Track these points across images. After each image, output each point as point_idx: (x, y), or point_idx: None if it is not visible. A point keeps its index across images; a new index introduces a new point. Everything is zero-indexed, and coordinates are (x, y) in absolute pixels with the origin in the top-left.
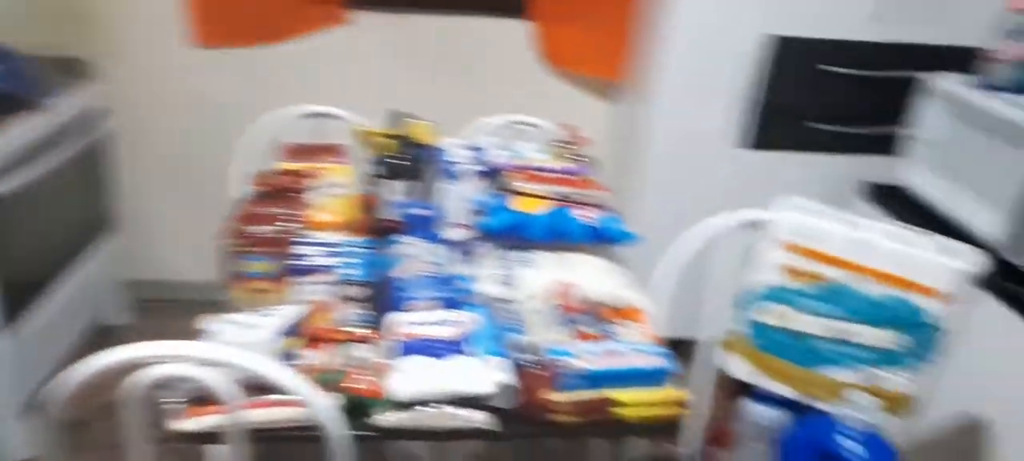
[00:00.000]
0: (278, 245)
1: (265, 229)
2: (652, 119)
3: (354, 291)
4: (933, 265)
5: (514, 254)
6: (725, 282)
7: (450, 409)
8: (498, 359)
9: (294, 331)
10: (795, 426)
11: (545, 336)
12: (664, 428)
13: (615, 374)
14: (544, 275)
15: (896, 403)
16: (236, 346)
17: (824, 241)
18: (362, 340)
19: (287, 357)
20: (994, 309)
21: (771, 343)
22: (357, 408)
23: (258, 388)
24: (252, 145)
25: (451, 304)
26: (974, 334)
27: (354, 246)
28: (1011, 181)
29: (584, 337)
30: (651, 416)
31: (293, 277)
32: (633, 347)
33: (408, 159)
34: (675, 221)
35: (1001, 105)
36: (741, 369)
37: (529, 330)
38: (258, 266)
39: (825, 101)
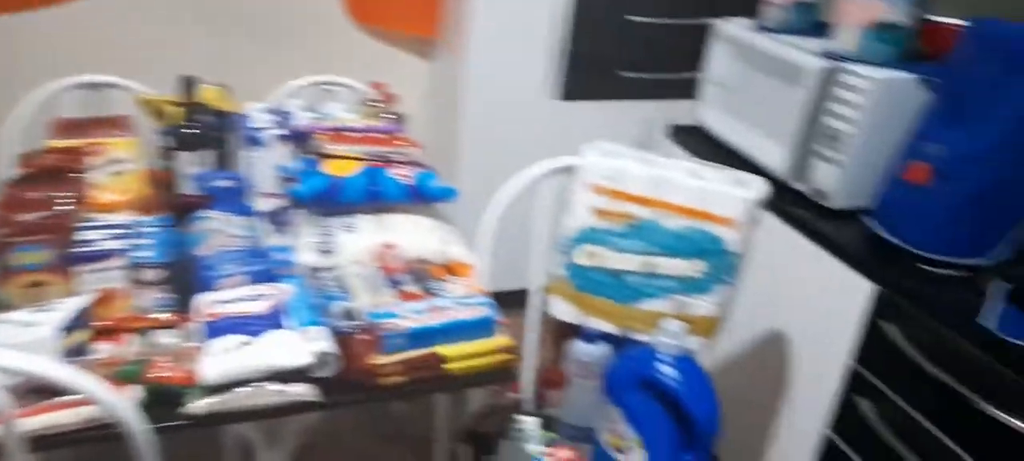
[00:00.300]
0: (56, 232)
1: (37, 215)
2: (466, 74)
3: (150, 274)
4: (726, 196)
5: (333, 220)
6: (548, 230)
7: (269, 385)
8: (317, 329)
9: (80, 324)
10: (617, 359)
11: (367, 300)
12: (496, 376)
13: (440, 329)
14: (364, 238)
15: (703, 326)
16: (10, 348)
17: (627, 181)
18: (166, 325)
19: (75, 353)
20: (778, 228)
21: (588, 283)
22: (166, 398)
23: (44, 391)
24: (19, 123)
25: (265, 278)
26: (763, 252)
27: (147, 226)
28: (788, 115)
29: (407, 297)
30: (481, 366)
31: (77, 266)
32: (457, 301)
33: (202, 127)
34: (496, 174)
35: (775, 45)
36: (564, 311)
37: (351, 296)
38: (32, 257)
39: (633, 49)
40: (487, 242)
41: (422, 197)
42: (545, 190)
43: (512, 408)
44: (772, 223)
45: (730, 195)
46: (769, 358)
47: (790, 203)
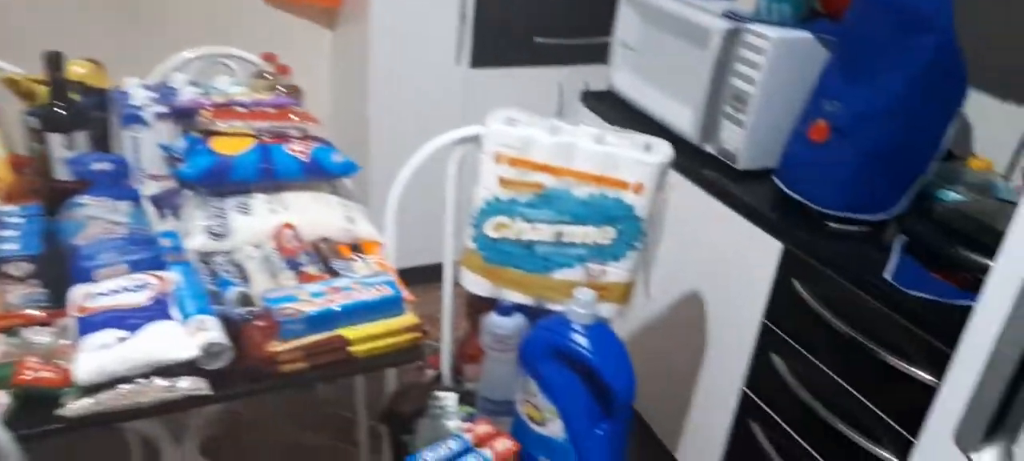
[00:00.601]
0: None
1: None
2: (370, 42)
3: (18, 268)
4: (632, 162)
5: (227, 200)
6: (458, 202)
7: (157, 381)
8: (207, 318)
9: None
10: (532, 330)
11: (265, 284)
12: (404, 357)
13: (342, 312)
14: (260, 220)
15: (616, 292)
16: None
17: (533, 150)
18: (38, 323)
19: None
20: (691, 191)
21: (499, 255)
22: (40, 401)
23: None
24: None
25: (150, 266)
26: (678, 215)
27: (14, 216)
28: (695, 78)
29: (308, 279)
30: (387, 347)
31: None
32: (362, 281)
33: (71, 107)
34: (405, 146)
35: (681, 7)
36: (477, 284)
37: (246, 281)
38: None
39: (543, 14)
40: (393, 217)
41: (320, 173)
42: (453, 161)
43: (430, 385)
44: (685, 186)
45: (636, 160)
46: (687, 319)
47: (701, 165)
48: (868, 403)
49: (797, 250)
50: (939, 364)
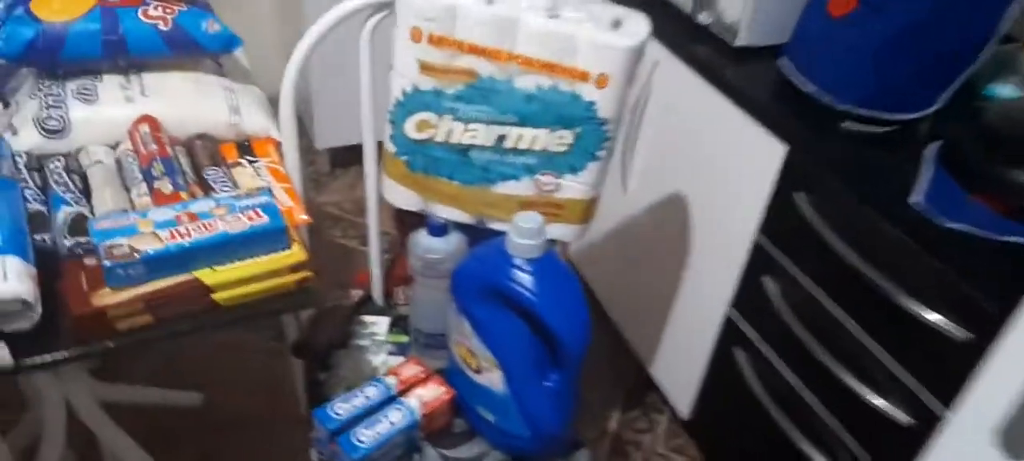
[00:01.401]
0: None
1: None
2: None
3: None
4: (592, 44)
5: (67, 85)
6: (374, 89)
7: None
8: (6, 260)
9: None
10: (464, 260)
11: (111, 203)
12: (290, 303)
13: (195, 249)
14: (110, 110)
15: (574, 211)
16: None
17: (462, 25)
18: None
19: None
20: (681, 73)
21: (426, 161)
22: None
23: None
24: None
25: None
26: (664, 102)
27: None
28: None
29: (161, 199)
30: (264, 291)
31: None
32: (231, 202)
33: None
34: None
35: None
36: (401, 197)
37: (86, 197)
38: None
39: None
40: (290, 106)
41: (188, 46)
42: (366, 35)
43: (355, 309)
44: (673, 65)
45: (600, 43)
46: (669, 222)
47: (691, 40)
48: (880, 352)
49: (803, 155)
50: (976, 319)
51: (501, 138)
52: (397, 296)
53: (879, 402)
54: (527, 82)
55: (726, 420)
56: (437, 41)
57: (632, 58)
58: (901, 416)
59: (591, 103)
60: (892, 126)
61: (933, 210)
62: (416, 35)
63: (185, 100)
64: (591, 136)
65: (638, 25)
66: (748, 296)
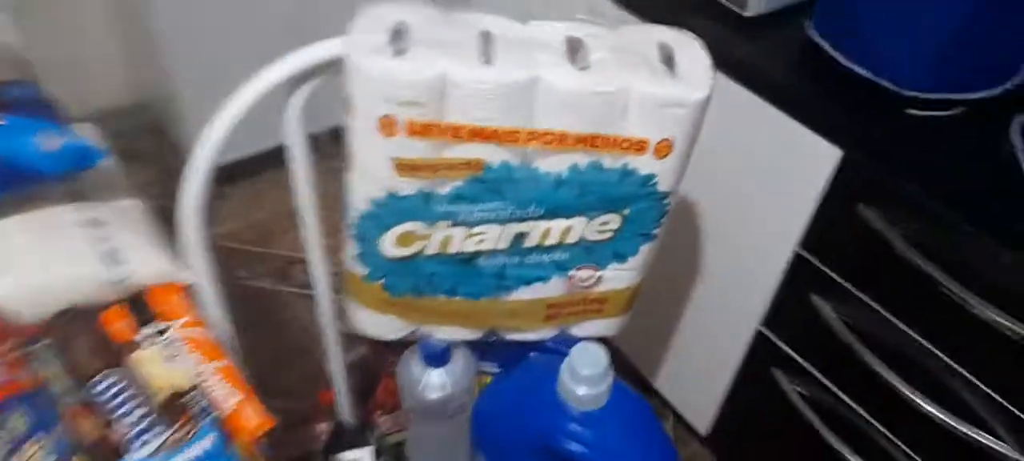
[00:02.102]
0: None
1: None
2: None
3: None
4: (653, 103)
5: None
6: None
7: None
8: None
9: None
10: (490, 399)
11: None
12: None
13: None
14: None
15: (615, 304)
16: None
17: (453, 104)
18: None
19: None
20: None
21: (413, 280)
22: None
23: None
24: None
25: None
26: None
27: None
28: None
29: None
30: None
31: None
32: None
33: None
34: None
35: None
36: (378, 326)
37: None
38: None
39: None
40: (197, 234)
41: (19, 181)
42: (294, 112)
43: (328, 452)
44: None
45: (662, 99)
46: (687, 236)
47: (692, 14)
48: (953, 362)
49: (862, 156)
50: None
51: (520, 237)
52: (379, 423)
53: (972, 432)
54: (556, 163)
55: (757, 436)
56: (421, 130)
57: (701, 111)
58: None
59: (649, 177)
60: (961, 107)
61: None
62: (388, 127)
63: (29, 263)
64: (646, 214)
65: (695, 55)
66: (787, 313)
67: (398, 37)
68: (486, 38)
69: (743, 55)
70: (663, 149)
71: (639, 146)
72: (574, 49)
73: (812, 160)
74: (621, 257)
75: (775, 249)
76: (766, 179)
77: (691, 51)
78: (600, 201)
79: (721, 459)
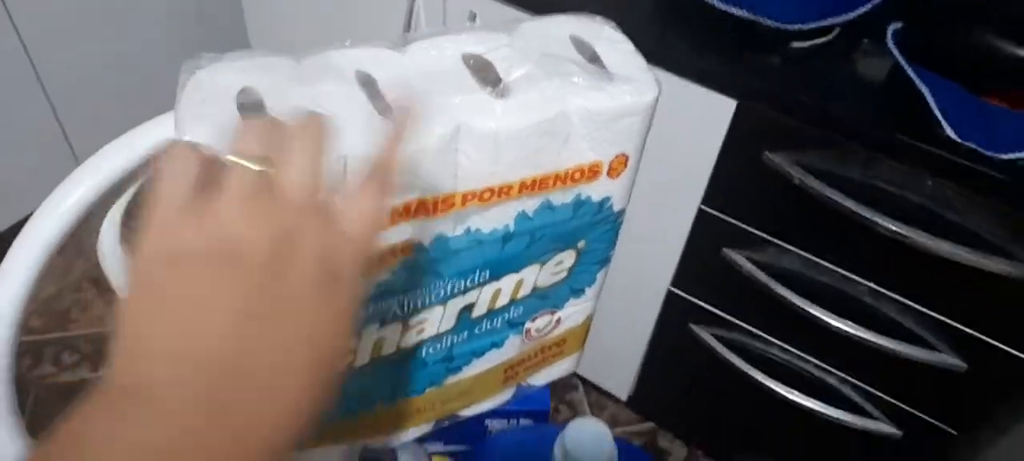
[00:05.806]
0: None
1: None
2: None
3: None
4: (600, 117)
5: None
6: None
7: None
8: None
9: None
10: None
11: None
12: None
13: None
14: None
15: (574, 340)
16: None
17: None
18: None
19: None
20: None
21: (345, 404)
22: None
23: None
24: None
25: None
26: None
27: None
28: None
29: None
30: None
31: None
32: None
33: None
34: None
35: None
36: (320, 457)
37: None
38: None
39: None
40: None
41: None
42: (111, 231)
43: None
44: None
45: (610, 111)
46: None
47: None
48: (872, 283)
49: (755, 101)
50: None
51: (467, 309)
52: None
53: (904, 348)
54: (499, 217)
55: (680, 389)
56: None
57: (653, 111)
58: (950, 359)
59: (604, 201)
60: (839, 30)
61: (981, 141)
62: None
63: None
64: (601, 240)
65: (617, 42)
66: (698, 270)
67: (248, 110)
68: (367, 84)
69: (619, 21)
70: (617, 167)
71: (592, 171)
72: (481, 70)
73: (707, 116)
74: (578, 292)
75: (681, 211)
76: (665, 144)
77: (611, 39)
78: (553, 242)
79: (645, 416)
